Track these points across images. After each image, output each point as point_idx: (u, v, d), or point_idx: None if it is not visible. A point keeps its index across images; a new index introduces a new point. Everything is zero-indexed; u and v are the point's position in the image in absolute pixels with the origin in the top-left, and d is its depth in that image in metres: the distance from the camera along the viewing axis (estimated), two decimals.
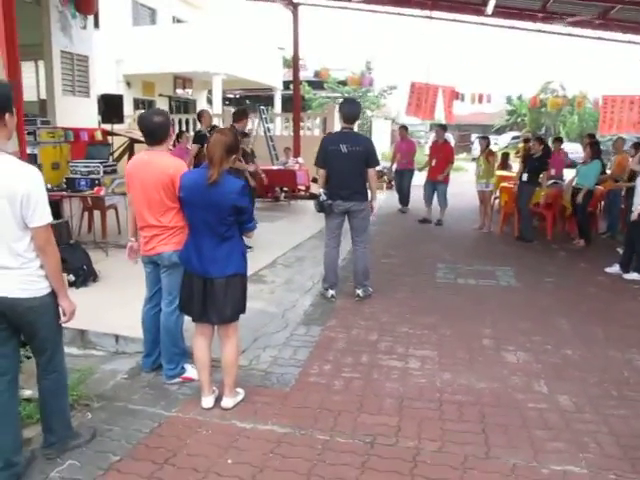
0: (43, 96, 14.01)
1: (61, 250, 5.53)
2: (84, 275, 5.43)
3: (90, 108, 13.50)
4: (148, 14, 20.25)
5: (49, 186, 6.83)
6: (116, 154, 14.07)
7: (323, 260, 5.39)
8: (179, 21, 20.86)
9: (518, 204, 8.35)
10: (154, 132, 3.46)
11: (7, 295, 2.41)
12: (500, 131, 31.02)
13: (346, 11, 13.12)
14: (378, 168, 13.28)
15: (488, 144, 9.20)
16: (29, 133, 6.95)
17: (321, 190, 5.18)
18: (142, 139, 10.75)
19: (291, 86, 26.72)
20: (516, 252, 7.64)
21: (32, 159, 6.71)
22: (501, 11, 9.88)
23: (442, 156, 9.58)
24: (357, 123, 22.64)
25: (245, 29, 21.64)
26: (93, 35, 14.40)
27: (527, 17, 10.30)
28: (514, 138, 27.56)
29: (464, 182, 13.05)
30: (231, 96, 28.97)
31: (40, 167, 6.83)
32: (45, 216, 2.42)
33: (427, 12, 11.11)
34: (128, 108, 18.48)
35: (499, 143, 24.56)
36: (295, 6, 12.43)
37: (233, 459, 2.77)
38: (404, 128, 11.14)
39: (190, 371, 3.64)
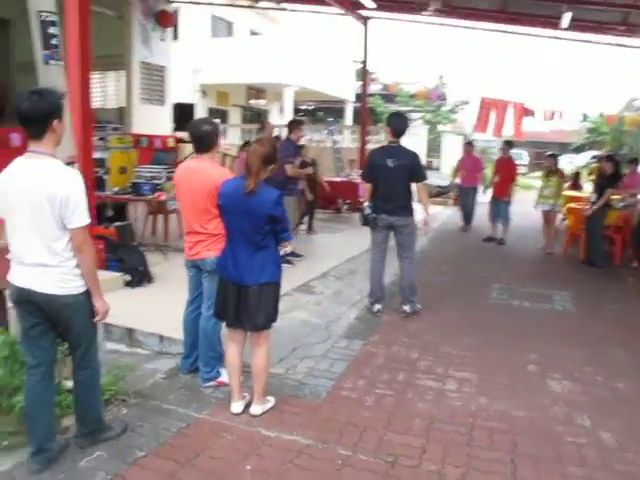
0: (122, 104, 14.75)
1: (120, 251, 5.88)
2: (139, 276, 5.66)
3: (165, 116, 14.09)
4: (225, 27, 20.95)
5: (115, 189, 7.20)
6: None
7: (369, 274, 5.35)
8: (255, 34, 21.43)
9: (588, 226, 7.95)
10: (202, 140, 3.57)
11: (45, 291, 2.55)
12: (579, 150, 29.77)
13: (421, 26, 13.04)
14: (440, 184, 12.87)
15: (556, 162, 8.85)
16: (100, 139, 7.34)
17: (366, 204, 5.16)
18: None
19: None
20: (578, 276, 7.29)
21: (101, 163, 7.08)
22: (578, 24, 9.51)
23: (505, 172, 9.30)
24: (427, 138, 22.44)
25: (319, 42, 21.98)
26: (171, 47, 15.04)
27: (606, 30, 9.86)
28: (594, 157, 26.37)
29: (532, 200, 12.59)
30: (304, 107, 29.42)
31: (108, 171, 7.21)
32: (83, 218, 2.54)
33: (500, 26, 10.87)
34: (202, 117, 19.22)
35: (575, 162, 23.51)
36: (365, 20, 12.48)
37: (252, 466, 2.79)
38: (469, 144, 10.91)
39: (225, 376, 3.70)
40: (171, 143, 14.01)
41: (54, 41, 3.68)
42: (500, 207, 9.41)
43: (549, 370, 4.12)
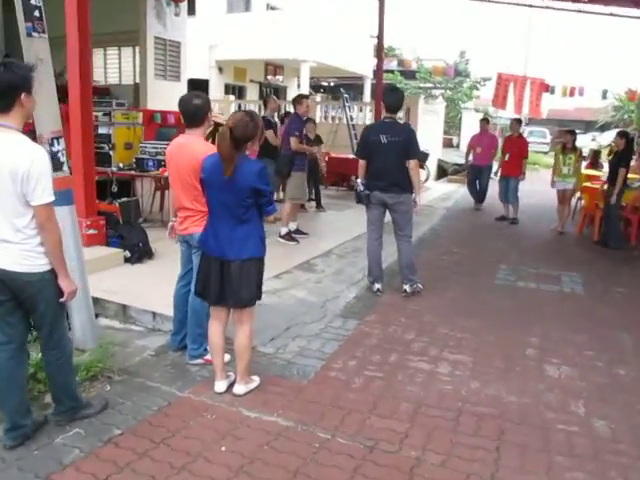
0: (138, 80, 14.68)
1: (121, 227, 5.84)
2: (139, 252, 5.62)
3: (180, 92, 13.96)
4: (243, 1, 20.64)
5: (120, 165, 7.16)
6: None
7: (367, 253, 5.24)
8: (273, 9, 21.09)
9: (604, 206, 7.68)
10: (192, 115, 3.47)
11: (6, 268, 2.49)
12: (604, 128, 28.98)
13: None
14: (458, 161, 12.35)
15: (574, 139, 8.54)
16: (105, 114, 7.29)
17: (359, 180, 5.03)
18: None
19: (384, 75, 26.53)
20: (590, 257, 7.08)
21: (106, 139, 7.04)
22: None
23: (516, 151, 9.05)
24: (445, 114, 21.97)
25: (337, 17, 21.55)
26: (186, 22, 14.89)
27: (630, 3, 9.42)
28: None
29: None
30: (325, 84, 29.06)
31: (113, 147, 7.17)
32: (46, 195, 2.46)
33: None
34: (219, 93, 19.06)
35: (599, 140, 22.86)
36: None
37: (227, 447, 2.73)
38: (485, 120, 10.61)
39: None
40: None
41: (36, 13, 3.56)
42: (509, 186, 9.17)
43: (548, 354, 3.98)
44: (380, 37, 12.70)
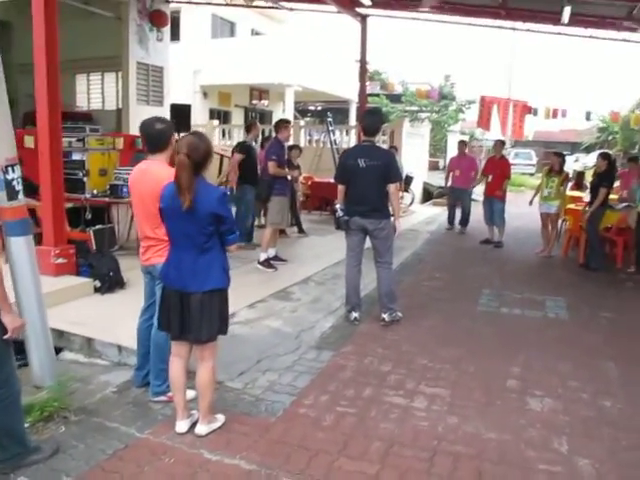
0: (121, 105, 14.59)
1: (90, 256, 5.64)
2: (110, 282, 5.43)
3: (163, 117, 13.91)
4: (228, 27, 20.76)
5: (95, 192, 6.99)
6: None
7: (345, 280, 5.08)
8: (257, 34, 21.21)
9: (586, 227, 7.61)
10: (155, 139, 3.33)
11: None
12: (590, 149, 29.26)
13: (428, 25, 12.75)
14: (442, 184, 12.09)
15: (562, 162, 8.46)
16: (78, 140, 7.14)
17: (338, 206, 4.90)
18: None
19: (369, 99, 26.69)
20: (576, 281, 6.96)
21: (80, 165, 6.88)
22: (580, 19, 9.16)
23: (499, 172, 9.00)
24: (431, 136, 22.05)
25: (322, 42, 21.72)
26: (169, 47, 14.86)
27: (609, 25, 9.49)
28: None
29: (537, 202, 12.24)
30: (312, 108, 29.21)
31: (87, 173, 7.00)
32: None
33: (500, 22, 10.55)
34: (204, 118, 19.03)
35: (582, 161, 22.99)
36: (363, 17, 12.21)
37: None
38: (463, 143, 10.61)
39: None
40: None
41: None
42: (494, 207, 9.08)
43: (531, 386, 3.81)
44: (363, 61, 12.72)
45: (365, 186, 4.74)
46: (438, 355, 4.32)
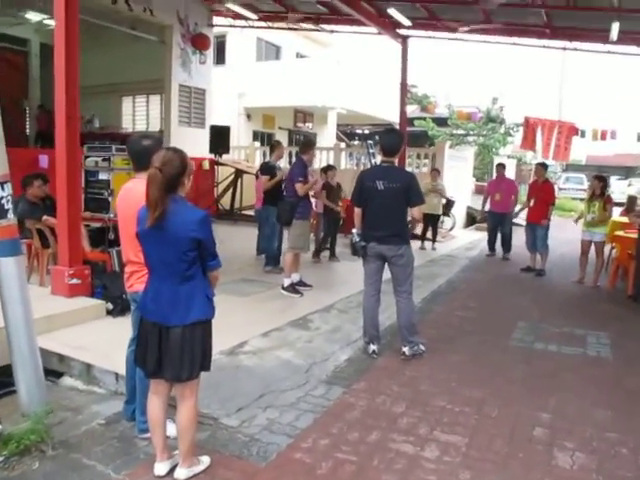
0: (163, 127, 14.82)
1: (103, 277, 5.52)
2: (122, 304, 5.26)
3: (204, 139, 14.00)
4: (273, 51, 20.96)
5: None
6: (221, 185, 14.43)
7: (362, 311, 4.74)
8: (302, 57, 21.33)
9: (637, 255, 7.02)
10: (140, 157, 3.14)
11: None
12: None
13: (477, 47, 12.47)
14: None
15: (604, 186, 7.92)
16: (104, 159, 7.12)
17: (354, 231, 4.59)
18: (249, 170, 11.00)
19: (415, 122, 26.37)
20: (622, 314, 6.37)
21: (105, 184, 6.85)
22: (630, 37, 8.64)
23: (541, 196, 8.47)
24: (477, 160, 21.49)
25: (367, 65, 21.65)
26: (212, 70, 15.03)
27: None
28: None
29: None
30: (359, 131, 29.09)
31: (112, 192, 6.95)
32: None
33: (545, 41, 10.12)
34: (247, 140, 19.14)
35: (636, 185, 21.83)
36: (404, 39, 12.00)
37: None
38: (501, 166, 10.14)
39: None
40: (206, 165, 13.92)
41: None
42: (537, 234, 8.55)
43: (561, 436, 3.36)
44: (403, 82, 12.47)
45: (383, 210, 4.43)
46: (459, 396, 3.91)
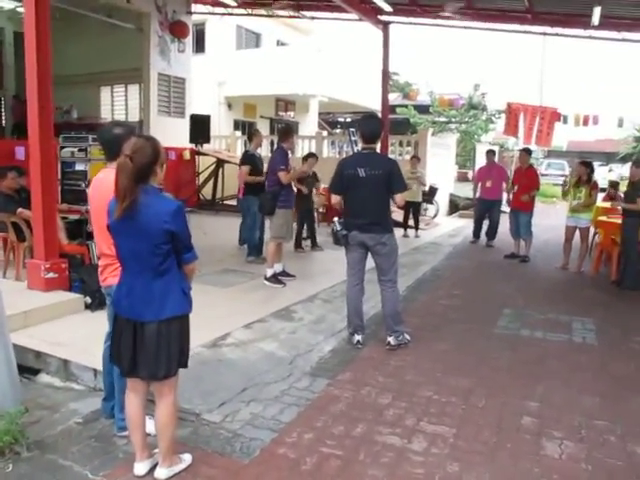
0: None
1: (81, 270, 5.37)
2: (100, 298, 5.11)
3: (185, 128, 13.77)
4: (253, 39, 20.69)
5: None
6: (202, 175, 14.22)
7: (346, 301, 4.67)
8: (283, 45, 21.08)
9: (621, 241, 7.02)
10: (111, 146, 3.03)
11: None
12: (626, 159, 28.16)
13: (457, 34, 12.37)
14: (470, 196, 11.53)
15: (590, 172, 7.89)
16: (80, 150, 6.93)
17: (335, 219, 4.50)
18: (230, 159, 10.79)
19: (397, 110, 26.28)
20: (607, 300, 6.37)
21: (82, 175, 6.66)
22: (611, 22, 8.61)
23: (525, 182, 8.45)
24: (460, 147, 21.49)
25: (348, 52, 21.48)
26: (191, 58, 14.76)
27: None
28: None
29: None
30: (341, 120, 28.93)
31: (89, 184, 6.77)
32: None
33: (527, 27, 10.06)
34: (228, 129, 18.91)
35: (618, 172, 21.99)
36: (385, 25, 11.85)
37: None
38: (491, 152, 10.09)
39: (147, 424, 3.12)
40: (187, 155, 13.70)
41: None
42: (520, 220, 8.54)
43: (549, 425, 3.32)
44: (385, 69, 12.34)
45: (365, 197, 4.34)
46: (445, 385, 3.86)
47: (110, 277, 2.98)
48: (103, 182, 2.96)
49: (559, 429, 3.27)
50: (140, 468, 2.73)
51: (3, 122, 14.96)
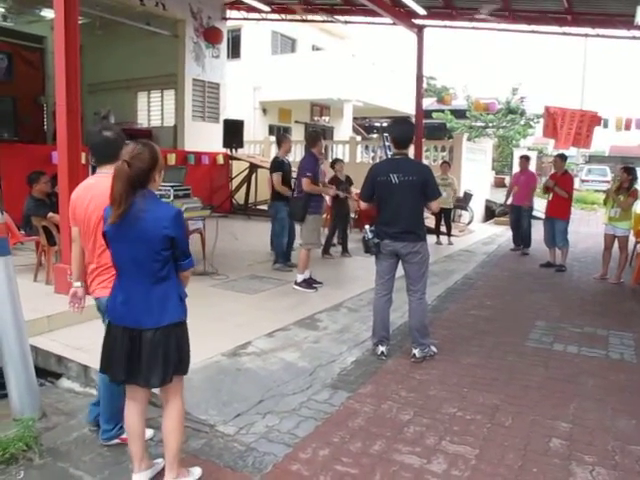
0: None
1: None
2: None
3: (218, 133, 13.88)
4: (288, 44, 20.76)
5: None
6: (236, 180, 14.28)
7: (372, 311, 4.54)
8: (318, 49, 21.08)
9: None
10: (102, 150, 2.98)
11: None
12: None
13: (497, 37, 12.09)
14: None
15: (633, 179, 7.55)
16: None
17: (366, 227, 4.38)
18: (263, 164, 10.73)
19: (434, 115, 25.98)
20: None
21: None
22: None
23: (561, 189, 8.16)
24: (497, 153, 21.05)
25: (384, 56, 21.37)
26: (225, 63, 14.89)
27: None
28: None
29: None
30: (377, 124, 28.81)
31: None
32: None
33: (566, 28, 9.75)
34: (263, 134, 19.00)
35: None
36: (420, 29, 11.69)
37: None
38: (525, 158, 9.80)
39: None
40: (220, 160, 13.80)
41: None
42: (555, 227, 8.24)
43: (580, 448, 3.12)
44: (419, 73, 12.16)
45: (399, 205, 4.22)
46: (471, 402, 3.70)
47: (98, 289, 2.93)
48: (93, 187, 2.90)
49: (591, 454, 3.07)
50: (139, 479, 2.67)
51: (45, 127, 15.35)
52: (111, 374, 2.59)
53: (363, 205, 4.46)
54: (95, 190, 2.86)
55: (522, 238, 9.71)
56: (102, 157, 2.95)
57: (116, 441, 3.05)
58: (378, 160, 15.11)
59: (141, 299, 2.48)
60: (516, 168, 18.81)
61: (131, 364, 2.50)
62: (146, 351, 2.47)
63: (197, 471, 2.75)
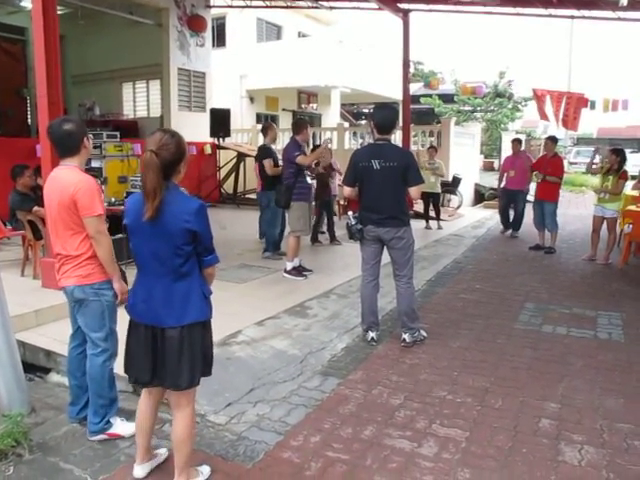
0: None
1: None
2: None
3: (205, 123, 13.75)
4: (274, 31, 20.56)
5: (112, 200, 6.75)
6: (224, 170, 14.20)
7: (360, 297, 4.54)
8: (304, 36, 20.90)
9: None
10: (64, 142, 2.95)
11: None
12: None
13: (484, 21, 12.02)
14: (495, 186, 11.32)
15: (622, 161, 7.56)
16: (95, 147, 6.93)
17: (350, 213, 4.37)
18: (251, 153, 10.67)
19: (422, 99, 25.90)
20: (635, 293, 6.10)
21: (98, 172, 6.65)
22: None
23: (550, 171, 8.16)
24: (485, 136, 21.03)
25: (371, 42, 21.22)
26: (211, 52, 14.72)
27: None
28: None
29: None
30: (366, 111, 28.68)
31: (106, 180, 6.76)
32: None
33: (551, 10, 9.70)
34: (250, 122, 18.86)
35: None
36: (405, 13, 11.59)
37: None
38: (517, 141, 9.77)
39: (119, 426, 3.07)
40: (208, 150, 13.70)
41: None
42: (545, 210, 8.27)
43: (568, 428, 3.15)
44: (405, 58, 12.08)
45: (380, 190, 4.20)
46: (461, 385, 3.72)
47: (63, 278, 2.95)
48: (55, 179, 2.93)
49: (579, 433, 3.10)
50: (140, 470, 2.66)
51: (29, 121, 15.16)
52: (135, 375, 2.53)
53: (347, 191, 4.44)
54: (56, 181, 2.91)
55: (515, 222, 9.71)
56: (64, 150, 2.94)
57: (103, 436, 3.03)
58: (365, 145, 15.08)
59: (162, 296, 2.40)
60: (505, 152, 18.86)
61: (154, 366, 2.44)
62: (169, 351, 2.39)
63: (206, 470, 2.69)
